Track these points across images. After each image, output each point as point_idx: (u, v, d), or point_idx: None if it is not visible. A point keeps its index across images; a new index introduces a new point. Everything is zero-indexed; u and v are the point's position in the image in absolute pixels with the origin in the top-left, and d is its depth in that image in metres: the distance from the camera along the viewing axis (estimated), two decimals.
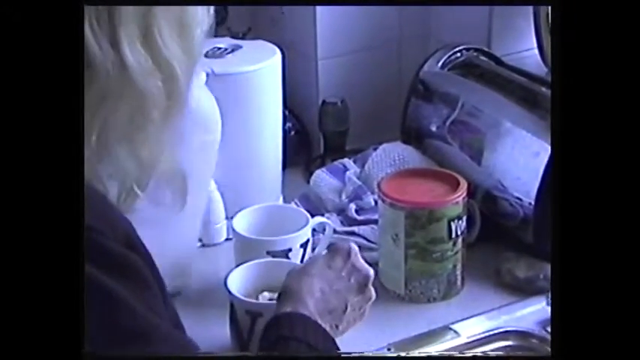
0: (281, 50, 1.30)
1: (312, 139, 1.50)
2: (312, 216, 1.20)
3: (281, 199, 1.35)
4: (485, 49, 1.41)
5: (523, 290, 1.16)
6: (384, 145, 1.37)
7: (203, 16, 0.81)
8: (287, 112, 1.41)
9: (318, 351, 0.88)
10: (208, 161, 1.16)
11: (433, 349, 1.08)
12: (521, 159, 1.22)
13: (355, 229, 1.26)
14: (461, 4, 1.47)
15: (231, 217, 1.20)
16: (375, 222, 1.24)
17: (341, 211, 1.30)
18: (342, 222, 1.28)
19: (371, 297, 1.00)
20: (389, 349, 1.07)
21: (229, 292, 1.05)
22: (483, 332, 1.10)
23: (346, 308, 0.97)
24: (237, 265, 1.10)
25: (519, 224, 1.21)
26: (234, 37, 1.40)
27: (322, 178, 1.36)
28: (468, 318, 1.12)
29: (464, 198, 1.15)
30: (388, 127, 1.45)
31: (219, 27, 1.48)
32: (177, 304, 0.86)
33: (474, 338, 1.09)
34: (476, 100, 1.32)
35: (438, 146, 1.35)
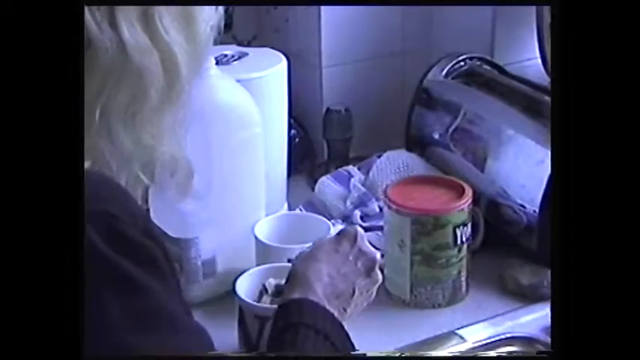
0: (286, 58, 1.31)
1: (316, 147, 1.51)
2: None
3: (286, 205, 1.36)
4: (489, 59, 1.42)
5: (527, 297, 1.17)
6: (389, 153, 1.38)
7: (210, 11, 0.82)
8: (291, 120, 1.42)
9: (328, 337, 0.88)
10: (255, 156, 1.18)
11: (439, 355, 1.09)
12: (526, 167, 1.23)
13: None
14: (460, 4, 1.48)
15: None
16: (380, 228, 1.25)
17: (346, 218, 1.31)
18: None
19: (378, 280, 1.01)
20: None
21: (238, 296, 1.06)
22: (488, 338, 1.11)
23: (354, 292, 0.97)
24: (245, 270, 1.11)
25: (523, 231, 1.22)
26: (239, 44, 1.41)
27: (327, 185, 1.37)
28: (472, 324, 1.13)
29: (469, 205, 1.16)
30: (392, 134, 1.46)
31: (224, 35, 1.49)
32: None
33: (480, 344, 1.10)
34: (478, 108, 1.33)
35: (441, 154, 1.36)
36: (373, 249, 1.01)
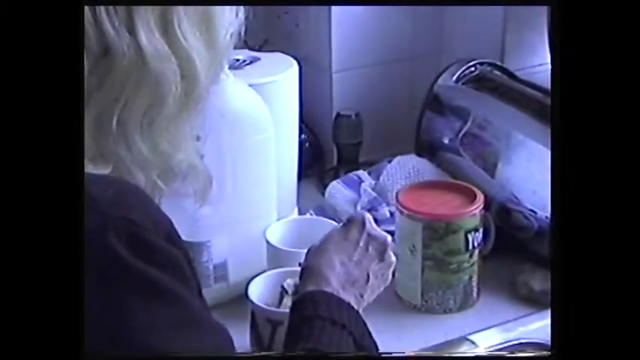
0: (297, 63, 1.31)
1: (326, 151, 1.52)
2: None
3: (296, 210, 1.36)
4: (499, 64, 1.42)
5: (539, 302, 1.17)
6: (399, 158, 1.38)
7: (230, 17, 0.81)
8: (302, 125, 1.42)
9: (345, 327, 0.88)
10: (266, 160, 1.18)
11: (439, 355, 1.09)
12: (536, 172, 1.23)
13: None
14: (465, 4, 1.48)
15: None
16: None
17: None
18: None
19: (391, 262, 1.00)
20: None
21: (250, 300, 1.06)
22: (500, 344, 1.11)
23: (368, 277, 0.97)
24: (257, 275, 1.11)
25: (534, 237, 1.22)
26: (250, 49, 1.41)
27: (337, 190, 1.37)
28: (484, 329, 1.13)
29: (481, 210, 1.16)
30: (402, 139, 1.46)
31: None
32: None
33: (491, 349, 1.10)
34: (489, 113, 1.33)
35: (451, 159, 1.36)
36: (383, 232, 1.01)
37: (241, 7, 0.84)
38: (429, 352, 1.08)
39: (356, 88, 1.51)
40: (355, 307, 0.94)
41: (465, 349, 1.10)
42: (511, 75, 1.41)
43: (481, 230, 1.17)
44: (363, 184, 1.36)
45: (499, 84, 1.38)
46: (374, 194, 1.34)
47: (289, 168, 1.34)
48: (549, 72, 1.42)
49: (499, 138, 1.30)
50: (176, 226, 1.00)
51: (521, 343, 1.11)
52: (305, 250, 0.99)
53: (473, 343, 1.10)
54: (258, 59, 1.30)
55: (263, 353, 0.84)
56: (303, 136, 1.45)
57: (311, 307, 0.90)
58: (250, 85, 1.22)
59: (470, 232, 1.15)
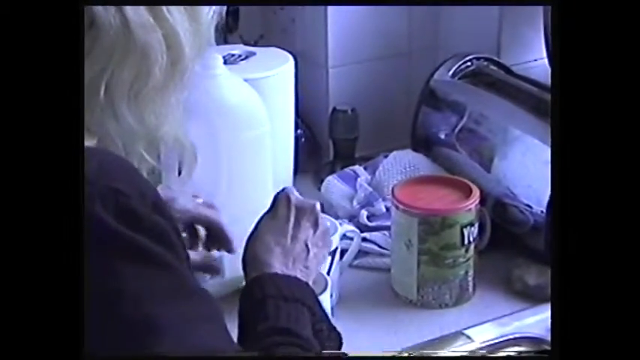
0: (292, 58, 1.31)
1: (322, 147, 1.51)
2: None
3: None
4: (495, 59, 1.42)
5: (534, 297, 1.17)
6: (395, 153, 1.38)
7: None
8: (298, 120, 1.42)
9: (297, 300, 0.89)
10: (262, 155, 1.18)
11: (446, 355, 1.09)
12: (532, 167, 1.23)
13: (367, 235, 1.27)
14: (464, 4, 1.48)
15: None
16: (387, 228, 1.25)
17: (352, 218, 1.31)
18: None
19: (326, 227, 1.01)
20: None
21: None
22: (495, 338, 1.11)
23: (308, 249, 0.98)
24: None
25: (530, 231, 1.22)
26: (245, 44, 1.41)
27: (333, 185, 1.37)
28: (479, 324, 1.13)
29: (476, 205, 1.16)
30: (398, 134, 1.46)
31: (231, 35, 1.49)
32: None
33: (487, 344, 1.10)
34: (485, 108, 1.34)
35: (447, 154, 1.36)
36: (310, 201, 1.01)
37: None
38: (428, 351, 1.08)
39: (352, 83, 1.51)
40: (303, 280, 0.94)
41: (461, 344, 1.10)
42: (507, 70, 1.41)
43: (477, 225, 1.17)
44: (359, 179, 1.36)
45: (495, 79, 1.38)
46: (370, 189, 1.34)
47: (285, 163, 1.34)
48: (545, 67, 1.42)
49: (495, 133, 1.30)
50: None
51: (517, 338, 1.11)
52: None
53: (468, 337, 1.11)
54: (254, 54, 1.30)
55: (263, 354, 0.84)
56: (299, 131, 1.45)
57: (258, 290, 0.90)
58: (246, 80, 1.22)
59: (465, 226, 1.15)
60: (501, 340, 1.11)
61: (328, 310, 1.00)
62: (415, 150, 1.40)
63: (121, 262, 0.71)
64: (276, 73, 1.28)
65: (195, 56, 0.81)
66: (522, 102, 1.30)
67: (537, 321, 1.13)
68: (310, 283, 0.96)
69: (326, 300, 1.05)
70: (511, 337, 1.11)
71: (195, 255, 1.04)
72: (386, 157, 1.38)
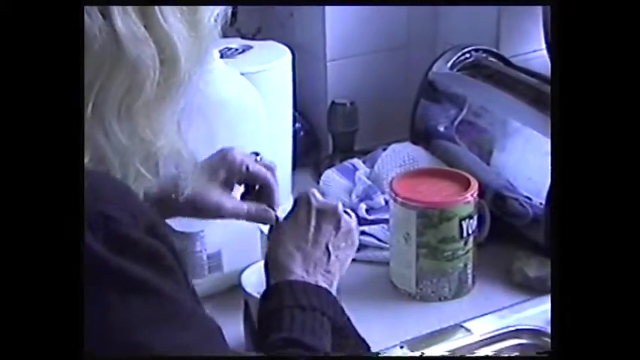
0: (290, 51, 1.31)
1: (321, 140, 1.51)
2: None
3: (291, 199, 1.35)
4: (494, 50, 1.42)
5: (534, 289, 1.17)
6: (394, 146, 1.38)
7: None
8: (296, 113, 1.42)
9: (315, 309, 0.87)
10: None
11: (445, 347, 1.08)
12: (532, 159, 1.22)
13: (365, 228, 1.27)
14: (465, 4, 1.47)
15: None
16: (385, 221, 1.24)
17: (351, 211, 1.30)
18: None
19: (350, 228, 0.98)
20: (401, 347, 1.08)
21: (244, 290, 1.06)
22: (495, 330, 1.11)
23: (329, 253, 0.96)
24: (251, 264, 1.11)
25: (530, 224, 1.22)
26: (243, 38, 1.40)
27: (332, 178, 1.37)
28: (479, 316, 1.13)
29: (475, 197, 1.16)
30: (397, 127, 1.46)
31: (229, 28, 1.48)
32: None
33: (487, 336, 1.10)
34: (484, 100, 1.33)
35: (446, 146, 1.36)
36: (332, 203, 0.99)
37: None
38: (430, 350, 1.08)
39: (351, 77, 1.50)
40: (324, 285, 0.93)
41: (460, 336, 1.10)
42: (506, 61, 1.41)
43: (476, 217, 1.17)
44: (357, 173, 1.36)
45: (494, 71, 1.38)
46: (369, 182, 1.33)
47: (283, 157, 1.33)
48: (544, 58, 1.41)
49: (494, 125, 1.29)
50: None
51: (517, 330, 1.11)
52: None
53: (468, 330, 1.10)
54: (251, 47, 1.30)
55: (263, 354, 0.84)
56: (297, 124, 1.45)
57: (276, 299, 0.89)
58: (243, 74, 1.22)
59: (464, 219, 1.15)
60: (501, 332, 1.11)
61: None
62: (414, 143, 1.39)
63: (108, 291, 0.68)
64: (273, 66, 1.27)
65: (192, 67, 0.76)
66: (522, 94, 1.30)
67: (537, 313, 1.12)
68: (333, 287, 0.94)
69: None
70: (511, 329, 1.11)
71: (250, 206, 1.02)
72: (385, 150, 1.38)
